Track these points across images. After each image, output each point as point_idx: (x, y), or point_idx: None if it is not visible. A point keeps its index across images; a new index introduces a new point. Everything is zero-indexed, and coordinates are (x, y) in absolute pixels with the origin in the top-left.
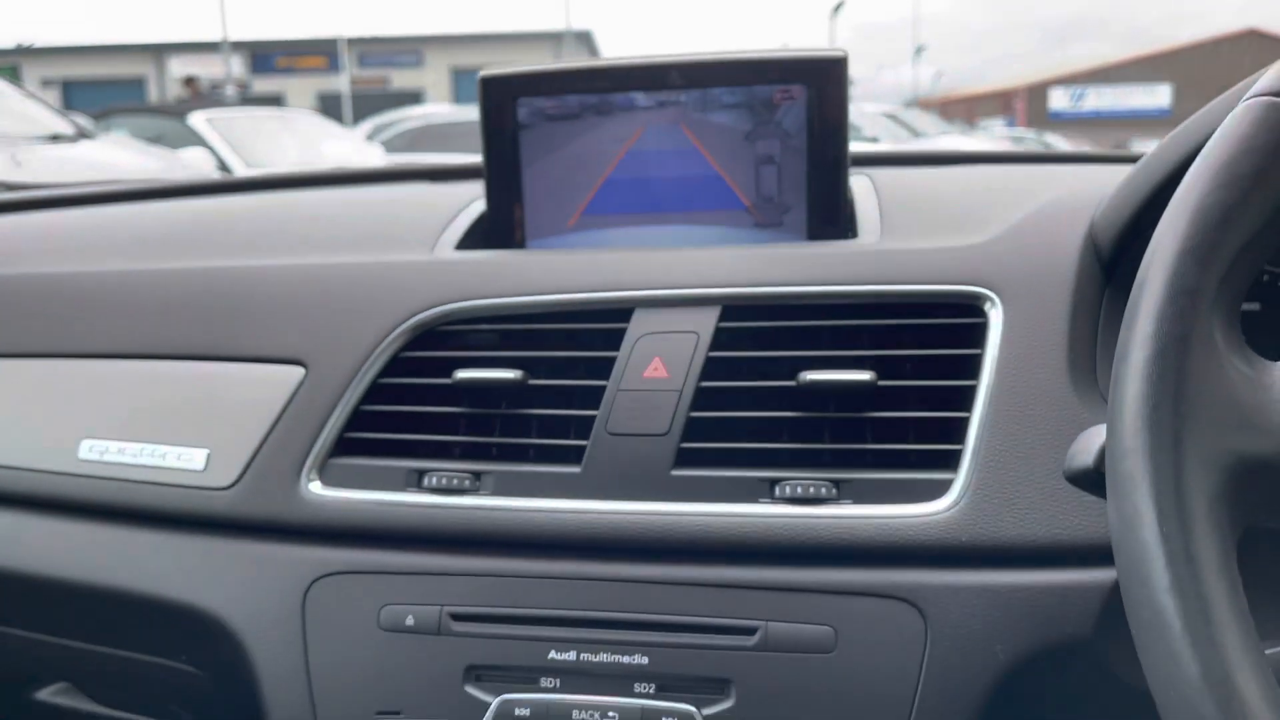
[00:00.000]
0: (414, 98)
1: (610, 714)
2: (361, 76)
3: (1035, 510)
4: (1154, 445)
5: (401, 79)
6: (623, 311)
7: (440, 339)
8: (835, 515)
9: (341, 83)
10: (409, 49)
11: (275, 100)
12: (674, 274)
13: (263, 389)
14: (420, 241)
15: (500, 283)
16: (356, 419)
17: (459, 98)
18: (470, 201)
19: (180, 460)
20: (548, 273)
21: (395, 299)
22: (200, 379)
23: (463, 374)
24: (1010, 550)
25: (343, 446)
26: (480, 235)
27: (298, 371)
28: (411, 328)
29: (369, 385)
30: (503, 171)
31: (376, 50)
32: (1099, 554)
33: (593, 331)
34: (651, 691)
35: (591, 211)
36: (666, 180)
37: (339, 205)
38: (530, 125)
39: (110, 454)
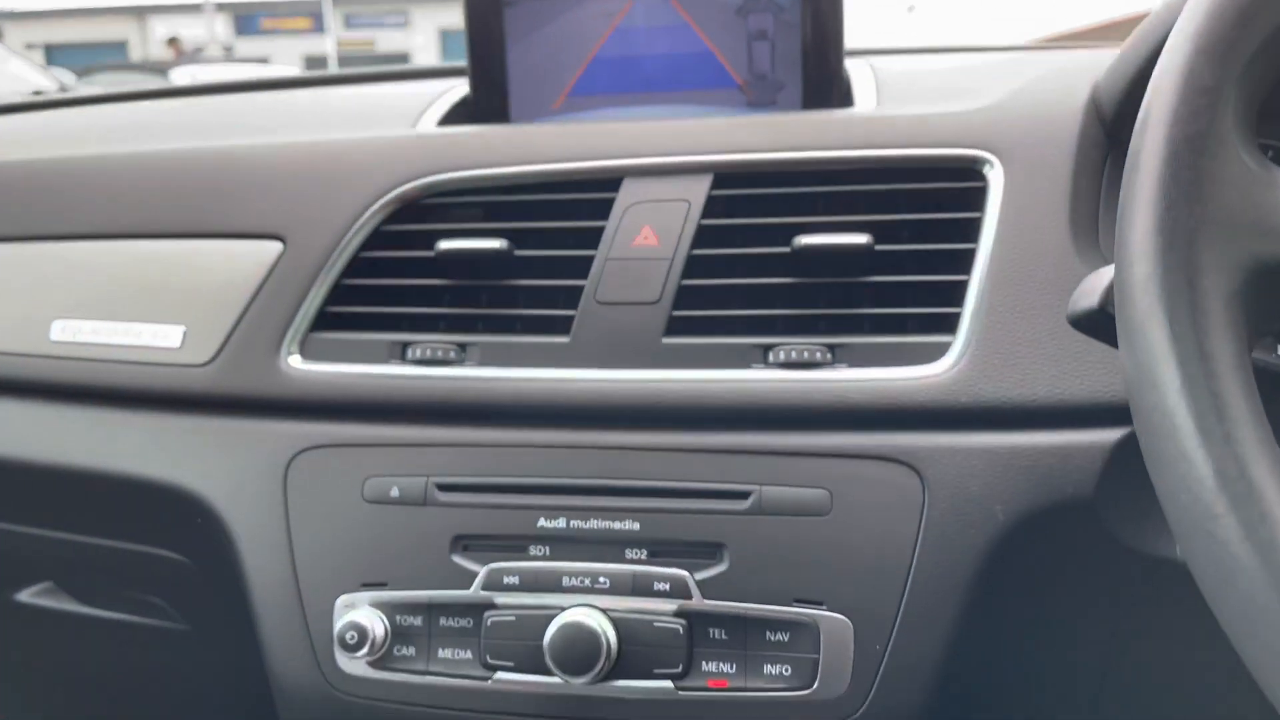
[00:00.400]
0: (401, 60)
1: (601, 579)
2: (348, 39)
3: (1036, 370)
4: (1167, 246)
5: (388, 41)
6: (611, 181)
7: (423, 212)
8: (830, 379)
9: (327, 45)
10: (396, 10)
11: (261, 63)
12: (664, 143)
13: (240, 265)
14: (402, 120)
15: (485, 154)
16: (337, 293)
17: (447, 59)
18: (454, 88)
19: (155, 338)
20: (533, 144)
21: (376, 172)
22: (175, 257)
23: (446, 244)
24: (1010, 411)
25: (323, 321)
26: (463, 117)
27: (275, 246)
28: (393, 200)
29: (350, 259)
30: (486, 50)
31: (363, 12)
32: (1101, 414)
33: (580, 202)
34: (643, 557)
35: (578, 92)
36: (656, 58)
37: (321, 97)
38: (514, 1)
39: (83, 334)
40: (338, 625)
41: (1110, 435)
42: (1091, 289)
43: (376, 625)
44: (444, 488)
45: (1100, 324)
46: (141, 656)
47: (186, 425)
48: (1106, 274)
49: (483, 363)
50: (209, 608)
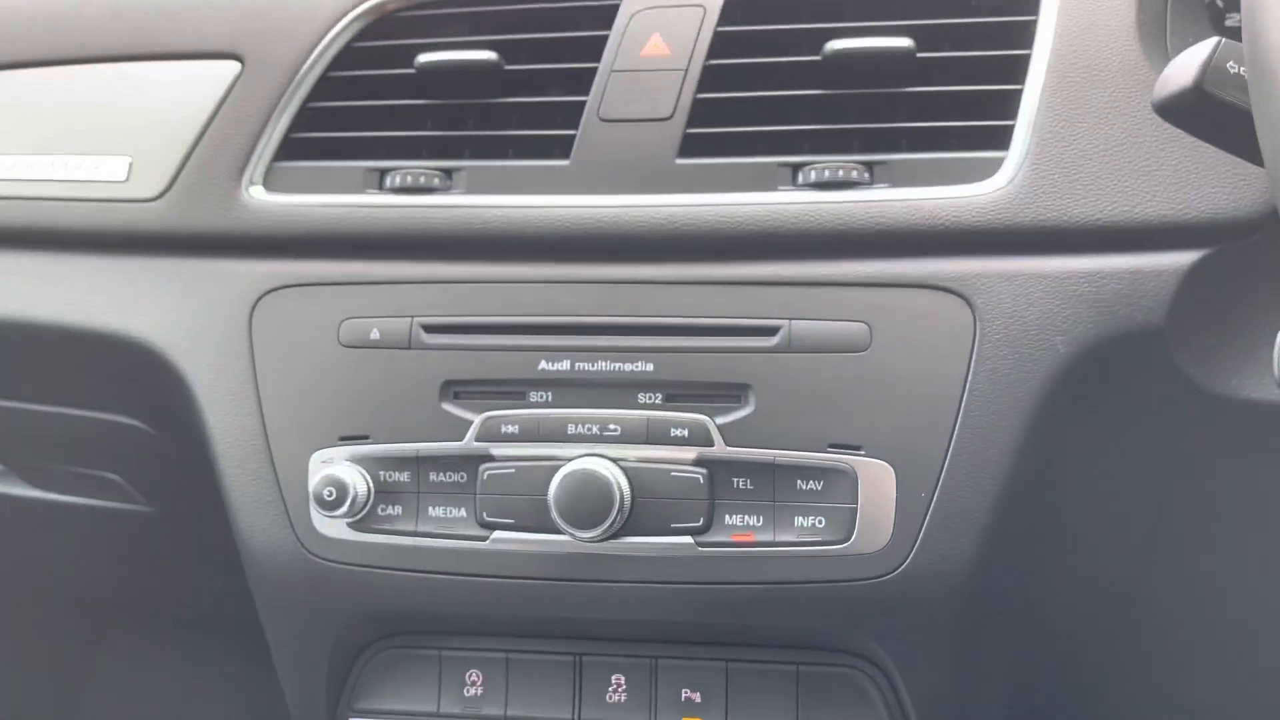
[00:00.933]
0: None
1: (611, 427)
2: None
3: (1101, 186)
4: None
5: None
6: None
7: (401, 26)
8: (868, 200)
9: None
10: None
11: None
12: None
13: (192, 88)
14: None
15: None
16: (304, 117)
17: None
18: None
19: (98, 171)
20: None
21: None
22: (117, 82)
23: (427, 58)
24: (1072, 232)
25: (289, 149)
26: None
27: (232, 67)
28: (368, 12)
29: (318, 78)
30: None
31: None
32: (1174, 234)
33: (578, 9)
34: (658, 401)
35: None
36: None
37: None
38: None
39: (16, 170)
40: (313, 482)
41: (1184, 258)
42: (1184, 66)
43: (357, 482)
44: (431, 329)
45: (1194, 106)
46: (103, 543)
47: (136, 268)
48: (1202, 49)
49: (471, 190)
50: (171, 483)
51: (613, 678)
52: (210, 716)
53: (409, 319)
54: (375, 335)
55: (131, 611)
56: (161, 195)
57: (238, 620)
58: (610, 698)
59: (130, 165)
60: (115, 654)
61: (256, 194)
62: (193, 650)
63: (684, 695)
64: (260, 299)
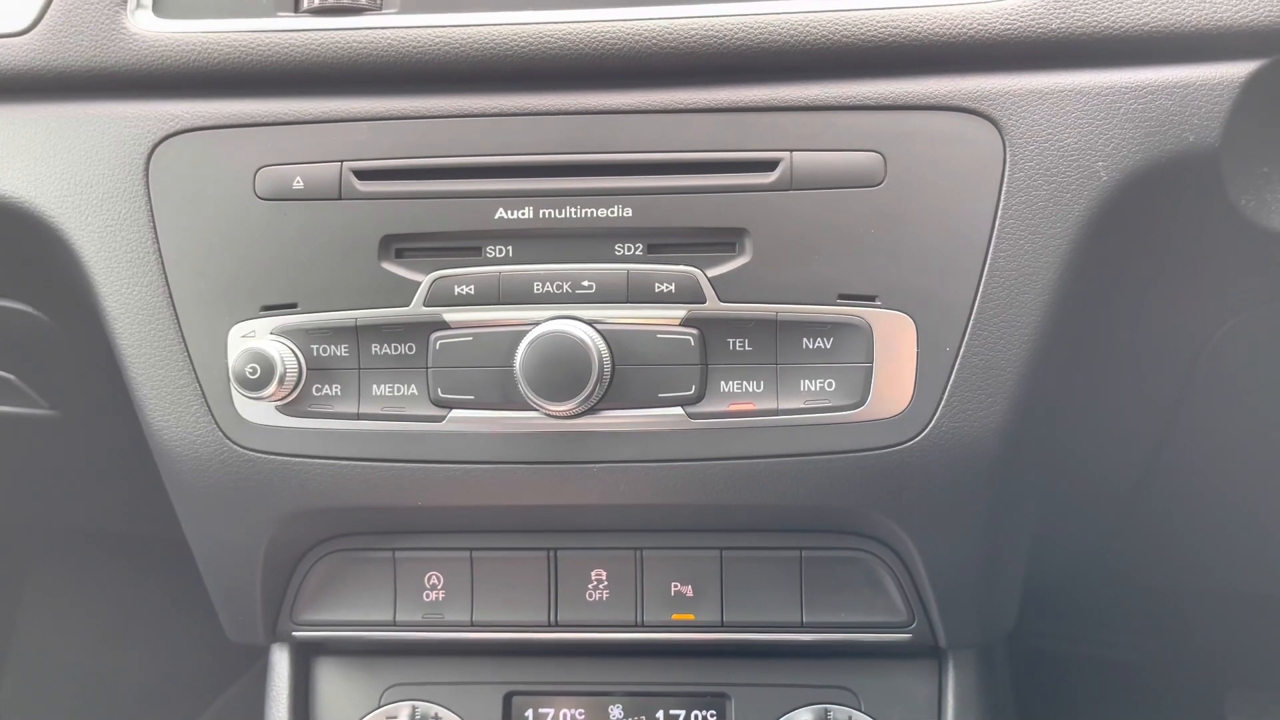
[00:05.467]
0: None
1: (585, 284)
2: None
3: None
4: None
5: None
6: None
7: None
8: (878, 7)
9: None
10: None
11: None
12: None
13: None
14: None
15: None
16: None
17: None
18: None
19: None
20: None
21: None
22: None
23: None
24: (1113, 41)
25: None
26: None
27: None
28: None
29: None
30: None
31: None
32: (1229, 42)
33: None
34: (639, 253)
35: None
36: None
37: None
38: None
39: None
40: (232, 359)
41: (1240, 69)
42: None
43: (286, 357)
44: (364, 174)
45: None
46: (4, 456)
47: (7, 116)
48: None
49: (405, 8)
50: (73, 380)
51: (592, 573)
52: (146, 644)
53: (338, 164)
54: (299, 184)
55: (54, 536)
56: (32, 27)
57: (165, 538)
58: (590, 595)
59: None
60: (42, 582)
61: (144, 20)
62: (123, 574)
63: (674, 589)
64: (156, 146)
